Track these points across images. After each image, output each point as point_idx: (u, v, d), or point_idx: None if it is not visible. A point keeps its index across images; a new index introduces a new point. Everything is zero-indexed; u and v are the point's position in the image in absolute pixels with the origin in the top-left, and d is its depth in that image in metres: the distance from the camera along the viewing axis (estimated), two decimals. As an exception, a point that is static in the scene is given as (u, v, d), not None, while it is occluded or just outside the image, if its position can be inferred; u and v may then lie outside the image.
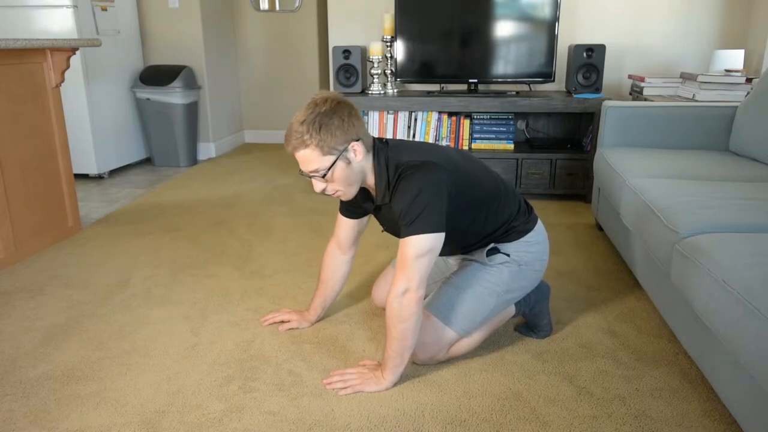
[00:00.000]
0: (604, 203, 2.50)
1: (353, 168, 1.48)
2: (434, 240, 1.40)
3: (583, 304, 2.00)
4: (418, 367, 1.62)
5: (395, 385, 1.53)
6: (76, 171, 3.80)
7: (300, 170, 1.49)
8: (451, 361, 1.65)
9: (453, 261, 1.80)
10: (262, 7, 4.65)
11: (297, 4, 4.70)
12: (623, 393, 1.50)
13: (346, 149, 1.45)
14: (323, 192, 1.51)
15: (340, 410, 1.44)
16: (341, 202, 1.68)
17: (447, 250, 1.65)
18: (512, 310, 1.74)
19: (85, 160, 3.78)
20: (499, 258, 1.61)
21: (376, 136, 3.41)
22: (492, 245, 1.61)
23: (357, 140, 1.46)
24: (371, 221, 2.67)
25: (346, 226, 1.74)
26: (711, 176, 2.05)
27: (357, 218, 1.72)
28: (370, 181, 1.54)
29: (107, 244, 2.63)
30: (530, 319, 1.78)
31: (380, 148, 1.52)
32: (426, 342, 1.58)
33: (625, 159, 2.29)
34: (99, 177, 3.94)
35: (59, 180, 2.69)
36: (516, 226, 1.61)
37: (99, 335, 1.82)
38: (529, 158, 3.20)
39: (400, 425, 1.39)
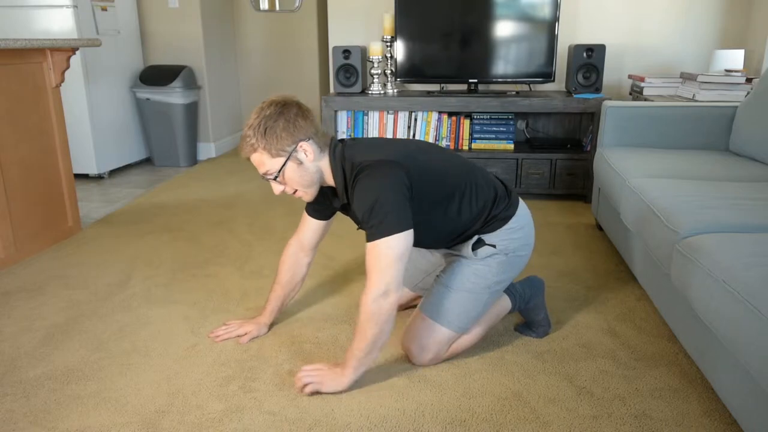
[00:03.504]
0: (604, 203, 2.50)
1: (306, 168, 1.49)
2: (405, 239, 1.39)
3: (583, 304, 2.00)
4: (418, 366, 1.62)
5: (351, 387, 1.51)
6: (76, 171, 3.80)
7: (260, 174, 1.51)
8: (451, 361, 1.65)
9: (439, 255, 1.78)
10: (262, 7, 4.65)
11: (297, 4, 4.70)
12: (623, 393, 1.50)
13: (295, 150, 1.46)
14: (283, 193, 1.53)
15: (340, 410, 1.44)
16: (308, 202, 1.67)
17: (429, 245, 1.64)
18: (508, 305, 1.73)
19: (85, 160, 3.78)
20: (485, 251, 1.58)
21: (376, 136, 3.42)
22: (476, 237, 1.59)
23: (306, 140, 1.46)
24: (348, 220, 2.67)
25: (311, 226, 1.72)
26: (711, 176, 2.05)
27: (323, 220, 1.71)
28: (330, 181, 1.54)
29: (107, 244, 2.63)
30: (527, 314, 1.78)
31: (337, 146, 1.52)
32: (426, 344, 1.58)
33: (625, 159, 2.29)
34: (99, 177, 3.94)
35: (59, 180, 2.69)
36: (497, 215, 1.58)
37: (99, 335, 1.82)
38: (529, 158, 3.20)
39: (400, 425, 1.39)
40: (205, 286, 2.18)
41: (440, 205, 1.52)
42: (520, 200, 1.67)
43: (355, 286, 2.16)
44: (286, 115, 1.45)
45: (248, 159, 1.49)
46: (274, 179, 1.49)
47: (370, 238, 1.39)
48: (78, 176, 3.94)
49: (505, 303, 1.73)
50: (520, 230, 1.61)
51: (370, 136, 3.44)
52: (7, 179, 2.38)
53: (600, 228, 2.79)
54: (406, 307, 1.94)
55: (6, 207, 2.37)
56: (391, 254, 1.38)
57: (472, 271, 1.59)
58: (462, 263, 1.61)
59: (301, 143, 1.46)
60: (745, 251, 1.33)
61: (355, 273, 2.27)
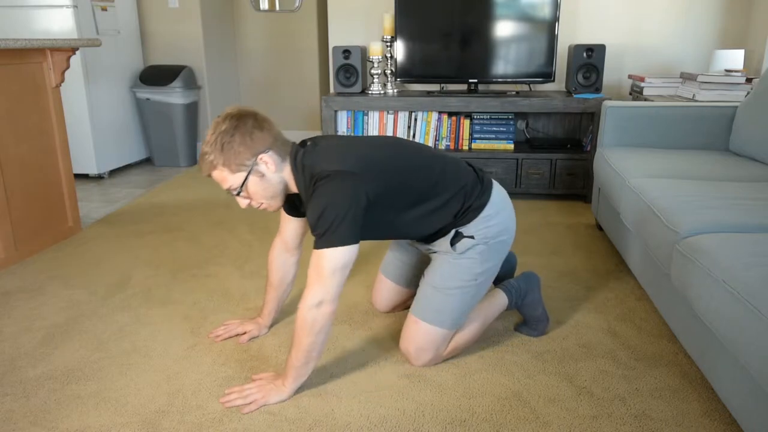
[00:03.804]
0: (604, 203, 2.50)
1: (269, 180, 1.47)
2: (347, 253, 1.37)
3: (583, 304, 2.00)
4: (418, 367, 1.62)
5: (298, 392, 1.50)
6: (76, 171, 3.80)
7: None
8: (451, 361, 1.65)
9: (422, 249, 1.75)
10: (262, 7, 4.65)
11: (297, 4, 4.70)
12: (623, 393, 1.50)
13: (255, 163, 1.44)
14: (250, 207, 1.52)
15: (340, 410, 1.44)
16: (288, 198, 1.64)
17: (405, 238, 1.62)
18: (504, 301, 1.73)
19: (85, 160, 3.78)
20: (464, 244, 1.57)
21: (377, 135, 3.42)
22: (454, 231, 1.57)
23: (265, 152, 1.44)
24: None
25: (291, 224, 1.71)
26: (711, 176, 2.05)
27: (301, 216, 1.69)
28: (294, 189, 1.52)
29: (107, 244, 2.63)
30: (525, 311, 1.78)
31: (298, 153, 1.49)
32: (422, 346, 1.58)
33: (625, 159, 2.29)
34: (99, 177, 3.94)
35: (59, 180, 2.69)
36: (470, 205, 1.56)
37: (99, 335, 1.82)
38: (529, 158, 3.20)
39: (400, 425, 1.39)
40: (205, 286, 2.18)
41: (409, 204, 1.51)
42: (494, 183, 1.64)
43: (355, 286, 2.16)
44: (242, 129, 1.42)
45: (209, 176, 1.47)
46: (238, 194, 1.48)
47: (315, 246, 1.38)
48: (78, 176, 3.94)
49: (502, 299, 1.73)
50: (497, 216, 1.59)
51: (370, 135, 3.43)
52: (7, 179, 2.38)
53: (600, 228, 2.79)
54: (405, 306, 1.94)
55: (6, 207, 2.37)
56: (330, 266, 1.37)
57: (455, 268, 1.57)
58: (444, 260, 1.59)
59: (260, 156, 1.44)
60: (745, 251, 1.33)
61: (354, 273, 2.27)
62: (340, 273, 1.38)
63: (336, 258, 1.37)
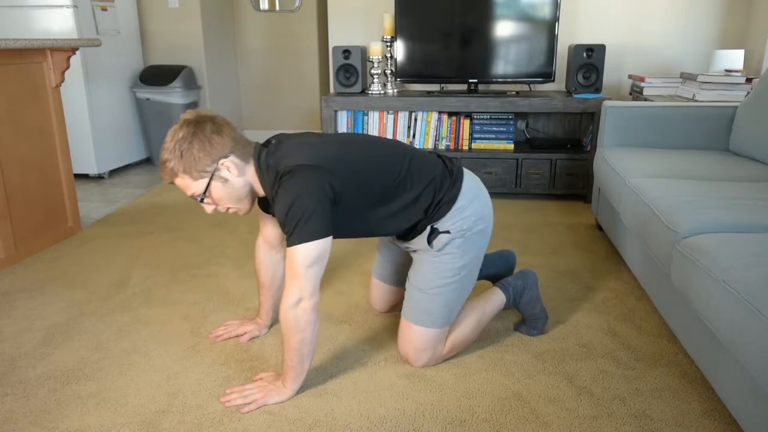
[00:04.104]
0: (604, 203, 2.50)
1: (233, 184, 1.45)
2: (320, 247, 1.36)
3: (583, 304, 2.00)
4: (418, 367, 1.62)
5: (298, 392, 1.50)
6: (76, 171, 3.80)
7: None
8: (451, 360, 1.65)
9: (401, 247, 1.72)
10: (262, 7, 4.65)
11: (297, 4, 4.70)
12: (623, 393, 1.50)
13: (216, 169, 1.43)
14: (216, 212, 1.50)
15: (340, 410, 1.44)
16: (260, 198, 1.63)
17: (381, 234, 1.60)
18: (502, 299, 1.73)
19: (85, 160, 3.78)
20: (441, 240, 1.55)
21: (376, 135, 3.42)
22: (428, 228, 1.56)
23: (226, 156, 1.43)
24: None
25: (269, 221, 1.70)
26: (711, 176, 2.05)
27: (273, 214, 1.67)
28: (260, 191, 1.51)
29: (107, 244, 2.63)
30: (524, 309, 1.77)
31: (261, 153, 1.47)
32: (419, 347, 1.58)
33: (625, 159, 2.29)
34: (99, 177, 3.94)
35: (59, 180, 2.69)
36: (442, 198, 1.54)
37: (99, 335, 1.82)
38: (529, 158, 3.20)
39: (400, 425, 1.39)
40: (205, 286, 2.18)
41: (377, 198, 1.49)
42: (465, 172, 1.62)
43: (354, 285, 2.16)
44: (200, 135, 1.40)
45: (172, 183, 1.46)
46: (202, 201, 1.46)
47: (288, 243, 1.37)
48: (78, 176, 3.94)
49: (500, 297, 1.73)
50: (470, 206, 1.57)
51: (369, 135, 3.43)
52: (7, 179, 2.38)
53: (600, 228, 2.79)
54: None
55: (6, 207, 2.37)
56: (303, 262, 1.35)
57: (436, 267, 1.56)
58: (424, 260, 1.58)
59: (221, 161, 1.42)
60: (745, 251, 1.33)
61: (354, 272, 2.27)
62: (314, 268, 1.37)
63: (308, 254, 1.35)
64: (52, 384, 1.56)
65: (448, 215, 1.55)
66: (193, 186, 1.44)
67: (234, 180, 1.45)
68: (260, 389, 1.48)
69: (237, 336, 1.79)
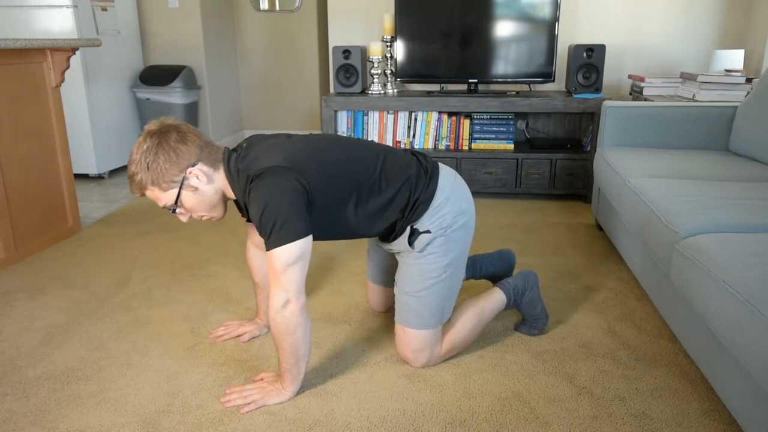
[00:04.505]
0: (604, 203, 2.50)
1: (203, 192, 1.45)
2: (299, 247, 1.34)
3: (583, 304, 2.00)
4: (419, 368, 1.62)
5: (298, 393, 1.50)
6: (76, 171, 3.80)
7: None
8: (451, 360, 1.65)
9: (385, 248, 1.70)
10: (262, 7, 4.65)
11: (297, 4, 4.70)
12: (623, 393, 1.50)
13: (185, 178, 1.42)
14: (192, 220, 1.50)
15: (340, 410, 1.44)
16: (236, 203, 1.62)
17: (360, 236, 1.59)
18: (503, 299, 1.72)
19: (85, 160, 3.78)
20: (422, 240, 1.53)
21: (376, 137, 3.42)
22: (408, 229, 1.54)
23: (193, 165, 1.42)
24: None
25: (252, 226, 1.70)
26: (711, 176, 2.05)
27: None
28: (231, 195, 1.50)
29: (107, 244, 2.63)
30: (524, 309, 1.77)
31: (231, 158, 1.46)
32: (416, 348, 1.58)
33: (625, 159, 2.29)
34: (99, 177, 3.94)
35: (59, 180, 2.69)
36: (418, 198, 1.52)
37: (99, 335, 1.82)
38: (529, 158, 3.20)
39: (400, 425, 1.39)
40: (205, 286, 2.18)
41: (352, 198, 1.47)
42: (441, 168, 1.60)
43: (353, 285, 2.16)
44: (164, 146, 1.38)
45: (143, 196, 1.45)
46: (173, 211, 1.46)
47: (267, 247, 1.36)
48: (78, 176, 3.94)
49: (500, 297, 1.73)
50: (447, 203, 1.55)
51: (369, 136, 3.44)
52: (7, 179, 2.38)
53: (600, 228, 2.79)
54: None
55: (6, 207, 2.37)
56: (283, 264, 1.34)
57: (421, 269, 1.55)
58: (408, 263, 1.57)
59: (189, 170, 1.41)
60: (745, 251, 1.33)
61: (353, 273, 2.27)
62: (295, 268, 1.35)
63: (287, 255, 1.34)
64: (52, 384, 1.56)
65: (426, 214, 1.53)
66: (164, 197, 1.43)
67: (204, 188, 1.45)
68: (260, 390, 1.48)
69: (237, 336, 1.79)
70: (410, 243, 1.54)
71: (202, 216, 1.49)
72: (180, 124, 1.44)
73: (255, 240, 1.73)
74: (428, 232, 1.53)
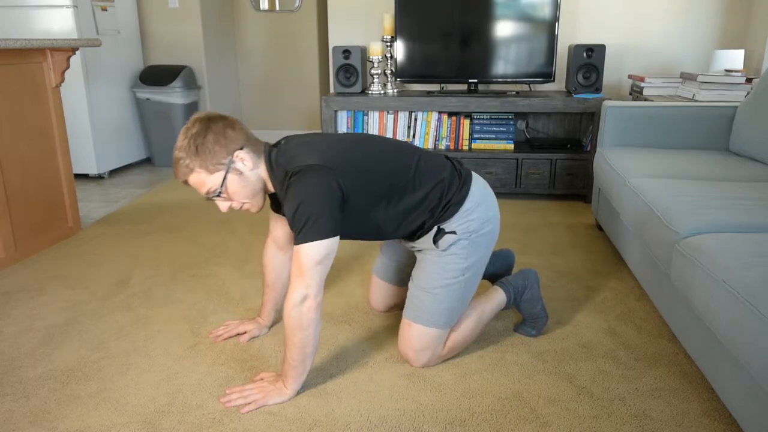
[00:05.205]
0: (604, 203, 2.50)
1: (247, 177, 1.47)
2: (326, 246, 1.37)
3: (583, 304, 2.00)
4: (418, 367, 1.62)
5: (298, 393, 1.50)
6: (76, 171, 3.80)
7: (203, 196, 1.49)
8: (451, 361, 1.65)
9: (407, 246, 1.73)
10: (262, 7, 4.65)
11: (297, 4, 4.70)
12: (623, 393, 1.50)
13: (231, 161, 1.44)
14: (230, 209, 1.51)
15: (340, 410, 1.44)
16: (271, 197, 1.65)
17: (388, 237, 1.61)
18: (503, 298, 1.73)
19: (85, 160, 3.78)
20: (447, 240, 1.55)
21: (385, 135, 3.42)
22: (435, 228, 1.56)
23: (240, 149, 1.45)
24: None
25: (279, 222, 1.71)
26: (711, 176, 2.05)
27: (283, 214, 1.67)
28: (271, 188, 1.52)
29: (107, 244, 2.63)
30: (524, 308, 1.77)
31: (271, 152, 1.50)
32: (419, 347, 1.58)
33: (625, 159, 2.29)
34: (99, 177, 3.94)
35: (59, 180, 2.69)
36: (450, 200, 1.55)
37: (99, 335, 1.82)
38: (529, 158, 3.20)
39: (400, 425, 1.39)
40: (205, 286, 2.18)
41: (385, 198, 1.50)
42: (474, 176, 1.63)
43: (354, 286, 2.16)
44: (213, 129, 1.42)
45: (186, 183, 1.47)
46: (218, 195, 1.47)
47: (296, 241, 1.38)
48: (78, 176, 3.94)
49: (500, 296, 1.73)
50: (477, 209, 1.57)
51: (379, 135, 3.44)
52: (7, 179, 2.38)
53: (600, 228, 2.79)
54: (401, 305, 1.93)
55: (6, 207, 2.37)
56: (310, 261, 1.36)
57: (440, 267, 1.56)
58: (429, 260, 1.58)
59: (236, 153, 1.44)
60: (745, 251, 1.33)
61: (354, 273, 2.27)
62: (320, 266, 1.38)
63: (315, 252, 1.36)
64: (52, 384, 1.56)
65: (455, 217, 1.56)
66: (209, 181, 1.45)
67: (249, 173, 1.47)
68: (260, 389, 1.48)
69: (237, 335, 1.79)
70: (435, 241, 1.56)
71: (243, 203, 1.51)
72: (226, 115, 1.48)
73: (276, 239, 1.74)
74: (454, 233, 1.56)
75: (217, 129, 1.43)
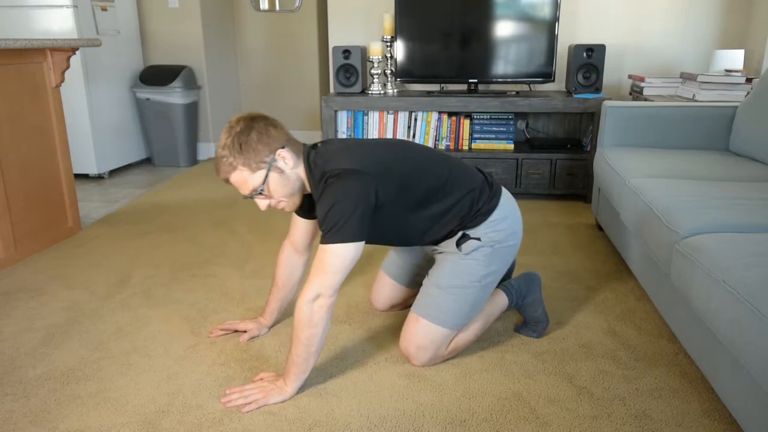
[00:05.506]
0: (604, 203, 2.50)
1: (288, 176, 1.49)
2: (351, 249, 1.39)
3: (583, 304, 2.00)
4: (418, 367, 1.62)
5: (298, 392, 1.50)
6: (76, 171, 3.80)
7: (243, 195, 1.50)
8: (451, 361, 1.65)
9: (428, 250, 1.76)
10: (262, 7, 4.65)
11: (297, 4, 4.70)
12: (623, 393, 1.50)
13: (273, 159, 1.46)
14: (269, 208, 1.53)
15: (340, 410, 1.44)
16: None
17: (413, 243, 1.63)
18: (505, 301, 1.73)
19: (85, 160, 3.78)
20: (470, 245, 1.58)
21: (376, 136, 3.42)
22: (460, 233, 1.59)
23: (282, 147, 1.47)
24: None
25: (300, 225, 1.73)
26: (711, 176, 2.05)
27: (312, 219, 1.71)
28: (308, 188, 1.54)
29: (107, 244, 2.63)
30: (525, 311, 1.78)
31: (310, 153, 1.52)
32: (423, 345, 1.58)
33: (625, 159, 2.29)
34: (99, 177, 3.94)
35: (59, 180, 2.69)
36: (480, 209, 1.58)
37: (99, 335, 1.82)
38: (529, 158, 3.20)
39: (400, 425, 1.39)
40: (205, 286, 2.18)
41: (417, 205, 1.52)
42: (503, 190, 1.66)
43: (355, 286, 2.16)
44: (257, 128, 1.45)
45: (227, 181, 1.48)
46: (260, 194, 1.49)
47: (322, 241, 1.40)
48: (78, 176, 3.94)
49: (502, 299, 1.73)
50: (504, 221, 1.60)
51: (370, 136, 3.44)
52: (7, 179, 2.38)
53: (600, 228, 2.79)
54: (403, 306, 1.94)
55: (6, 207, 2.37)
56: (334, 261, 1.38)
57: (460, 268, 1.58)
58: (449, 260, 1.60)
59: (278, 151, 1.46)
60: (745, 251, 1.33)
61: (355, 273, 2.27)
62: (341, 269, 1.40)
63: (341, 254, 1.38)
64: (52, 384, 1.56)
65: (483, 225, 1.58)
66: (251, 179, 1.46)
67: (289, 172, 1.49)
68: (261, 389, 1.48)
69: (237, 331, 1.79)
70: (458, 244, 1.58)
71: (280, 202, 1.53)
72: (267, 115, 1.50)
73: (295, 241, 1.75)
74: (478, 239, 1.58)
75: (260, 127, 1.45)
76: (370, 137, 3.44)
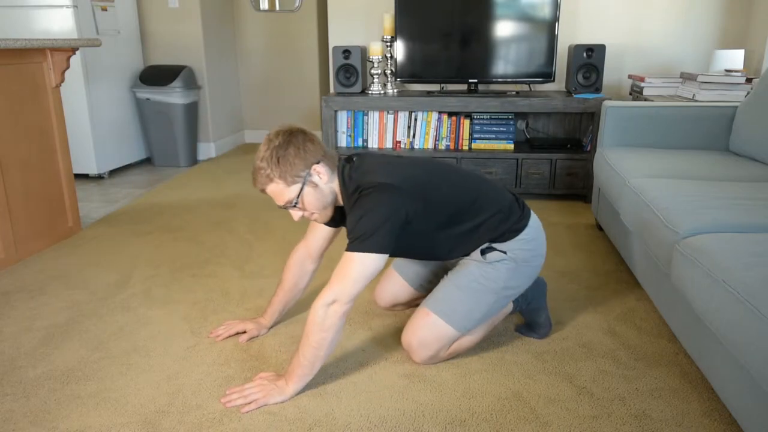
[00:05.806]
0: (604, 203, 2.50)
1: (322, 190, 1.52)
2: (374, 260, 1.40)
3: (583, 304, 2.00)
4: (418, 367, 1.62)
5: (298, 394, 1.50)
6: (76, 171, 3.80)
7: (278, 205, 1.53)
8: (451, 361, 1.65)
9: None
10: (262, 7, 4.65)
11: (297, 4, 4.70)
12: (623, 393, 1.50)
13: (309, 174, 1.48)
14: (302, 219, 1.54)
15: (340, 410, 1.44)
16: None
17: (442, 258, 1.65)
18: (509, 306, 1.74)
19: (85, 160, 3.78)
20: (495, 255, 1.60)
21: (376, 137, 3.42)
22: (487, 244, 1.61)
23: (317, 163, 1.49)
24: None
25: (321, 233, 1.75)
26: (711, 176, 2.05)
27: (334, 227, 1.72)
28: (341, 201, 1.57)
29: (107, 244, 2.63)
30: (528, 315, 1.78)
31: (345, 167, 1.54)
32: (427, 340, 1.58)
33: (625, 159, 2.29)
34: (99, 177, 3.94)
35: (59, 180, 2.69)
36: (509, 228, 1.60)
37: (99, 335, 1.82)
38: (529, 158, 3.20)
39: (400, 425, 1.39)
40: (205, 286, 2.18)
41: (446, 227, 1.55)
42: (533, 213, 1.69)
43: (355, 286, 2.16)
44: (295, 143, 1.47)
45: (263, 191, 1.51)
46: (294, 206, 1.51)
47: (348, 248, 1.41)
48: (78, 176, 3.94)
49: (508, 305, 1.73)
50: (532, 241, 1.62)
51: (369, 137, 3.44)
52: (7, 179, 2.38)
53: (600, 228, 2.79)
54: (406, 306, 1.93)
55: (6, 207, 2.37)
56: (357, 269, 1.40)
57: (480, 272, 1.59)
58: (471, 264, 1.62)
59: (314, 166, 1.49)
60: (745, 251, 1.33)
61: (355, 273, 2.27)
62: (361, 278, 1.41)
63: (365, 263, 1.40)
64: (52, 384, 1.56)
65: (511, 241, 1.60)
66: (287, 192, 1.49)
67: (323, 186, 1.52)
68: (261, 389, 1.48)
69: (237, 333, 1.79)
70: (483, 253, 1.60)
71: (313, 214, 1.55)
72: (305, 129, 1.53)
73: (310, 247, 1.77)
74: (504, 252, 1.59)
75: (298, 142, 1.47)
76: (367, 137, 3.44)
